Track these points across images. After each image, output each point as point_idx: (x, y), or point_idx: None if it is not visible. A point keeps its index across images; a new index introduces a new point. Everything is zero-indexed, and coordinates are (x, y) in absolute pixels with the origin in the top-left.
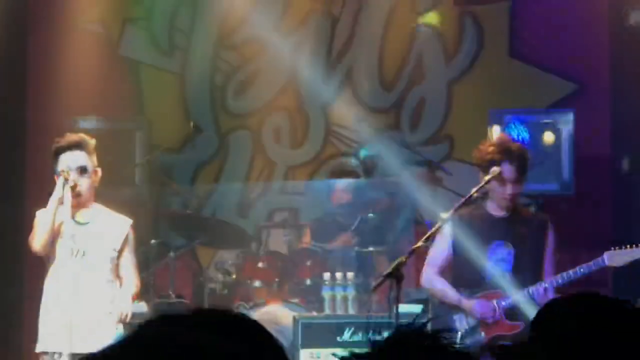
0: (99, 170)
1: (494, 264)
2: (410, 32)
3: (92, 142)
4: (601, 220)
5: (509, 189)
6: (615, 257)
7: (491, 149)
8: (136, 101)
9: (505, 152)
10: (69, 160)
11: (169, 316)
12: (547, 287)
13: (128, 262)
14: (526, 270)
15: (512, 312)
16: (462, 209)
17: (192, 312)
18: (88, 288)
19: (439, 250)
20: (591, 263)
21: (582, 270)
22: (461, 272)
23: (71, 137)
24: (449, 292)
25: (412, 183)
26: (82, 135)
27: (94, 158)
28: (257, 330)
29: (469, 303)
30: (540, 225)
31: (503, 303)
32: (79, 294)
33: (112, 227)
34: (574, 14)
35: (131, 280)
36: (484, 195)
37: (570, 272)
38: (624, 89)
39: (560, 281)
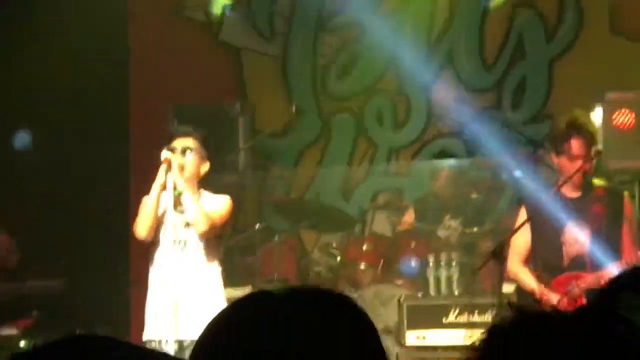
0: (207, 162)
1: (571, 245)
2: (510, 11)
3: (202, 132)
4: None
5: (577, 165)
6: None
7: (561, 126)
8: (238, 87)
9: (573, 126)
10: (175, 145)
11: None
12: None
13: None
14: (605, 249)
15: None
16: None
17: (290, 290)
18: (192, 274)
19: (521, 238)
20: None
21: None
22: (540, 256)
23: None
24: (532, 283)
25: (515, 163)
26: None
27: (204, 149)
28: (356, 310)
29: (549, 295)
30: (616, 201)
31: (583, 285)
32: (184, 281)
33: (212, 208)
34: None
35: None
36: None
37: None
38: None
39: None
